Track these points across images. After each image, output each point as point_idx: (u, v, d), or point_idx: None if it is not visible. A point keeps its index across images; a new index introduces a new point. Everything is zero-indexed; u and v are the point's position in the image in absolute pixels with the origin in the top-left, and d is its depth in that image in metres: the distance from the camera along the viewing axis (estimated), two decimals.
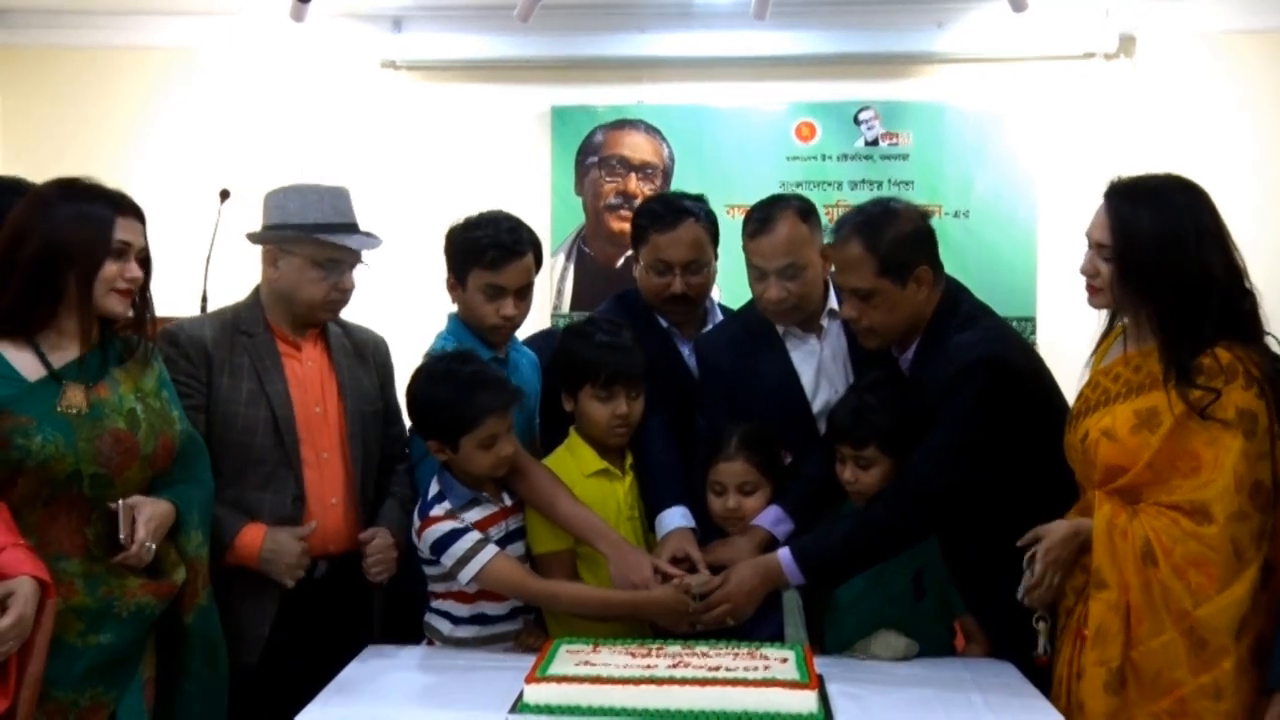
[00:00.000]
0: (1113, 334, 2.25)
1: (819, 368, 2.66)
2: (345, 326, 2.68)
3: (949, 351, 2.32)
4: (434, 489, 2.46)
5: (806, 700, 1.99)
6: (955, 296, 2.45)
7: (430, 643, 2.51)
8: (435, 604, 2.51)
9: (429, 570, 2.48)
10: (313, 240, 2.48)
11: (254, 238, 2.57)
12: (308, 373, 2.55)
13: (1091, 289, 2.17)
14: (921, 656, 2.38)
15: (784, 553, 2.38)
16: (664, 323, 2.85)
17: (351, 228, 2.54)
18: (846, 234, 2.40)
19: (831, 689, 2.15)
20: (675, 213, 2.77)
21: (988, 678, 2.26)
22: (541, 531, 2.52)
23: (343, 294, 2.54)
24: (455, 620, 2.48)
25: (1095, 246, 2.14)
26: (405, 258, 4.06)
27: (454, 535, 2.39)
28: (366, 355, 2.67)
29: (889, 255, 2.36)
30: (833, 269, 2.51)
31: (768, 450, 2.55)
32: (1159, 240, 2.05)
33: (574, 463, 2.59)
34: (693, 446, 2.63)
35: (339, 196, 2.55)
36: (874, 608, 2.44)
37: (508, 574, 2.38)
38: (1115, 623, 2.03)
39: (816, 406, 2.64)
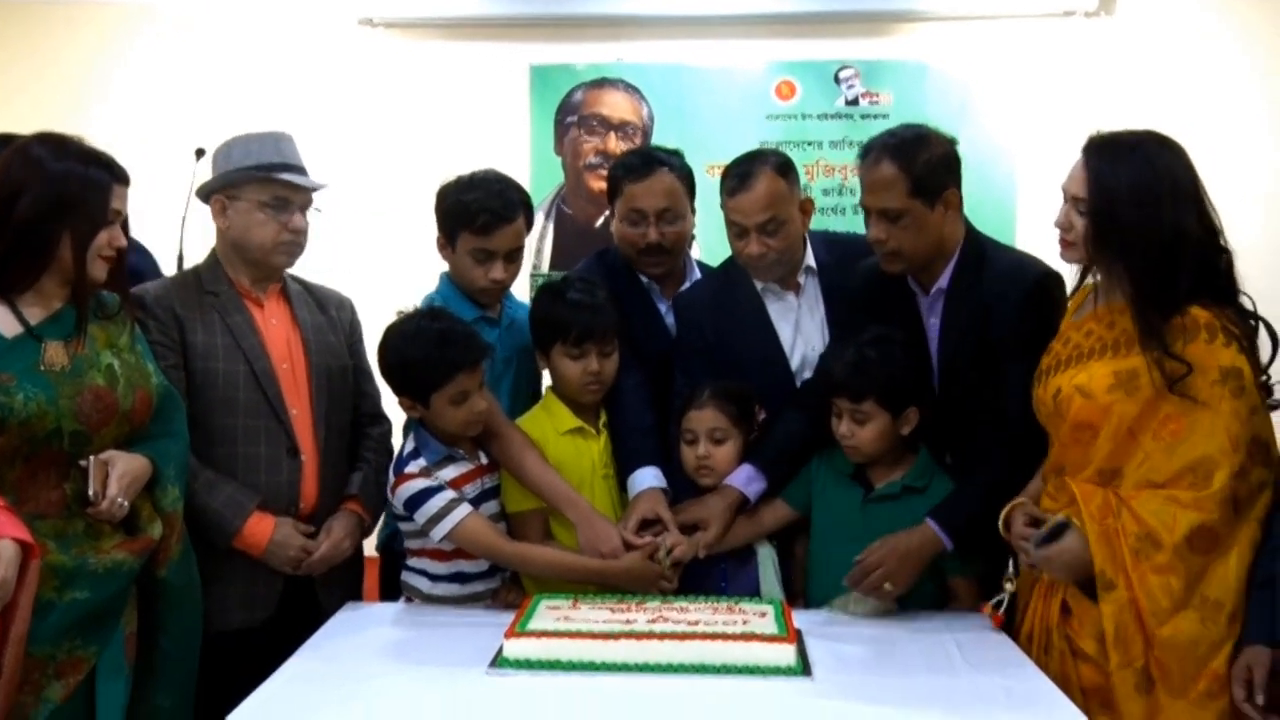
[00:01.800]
0: (1084, 289, 2.23)
1: (797, 324, 2.66)
2: (307, 285, 2.67)
3: (1005, 271, 2.32)
4: (409, 445, 2.45)
5: (785, 653, 2.00)
6: (971, 225, 2.46)
7: (409, 600, 2.51)
8: (412, 561, 2.50)
9: (404, 527, 2.47)
10: (255, 180, 2.46)
11: (201, 191, 2.55)
12: (272, 329, 2.53)
13: (1065, 243, 2.15)
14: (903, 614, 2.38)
15: (931, 521, 2.36)
16: (644, 280, 2.83)
17: (297, 170, 2.50)
18: (878, 155, 2.39)
19: (809, 642, 2.15)
20: (649, 162, 2.76)
21: (965, 630, 2.26)
22: (514, 491, 2.52)
23: (295, 235, 2.50)
24: (433, 578, 2.48)
25: (1071, 200, 2.11)
26: (382, 218, 4.05)
27: (427, 493, 2.38)
28: (330, 311, 2.66)
29: (921, 176, 2.35)
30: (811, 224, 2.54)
31: (740, 401, 2.54)
32: (1135, 196, 2.02)
33: (549, 421, 2.59)
34: (670, 406, 2.63)
35: (282, 140, 2.53)
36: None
37: (480, 534, 2.38)
38: (1130, 621, 2.00)
39: (794, 363, 2.65)
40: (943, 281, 2.45)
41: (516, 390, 2.75)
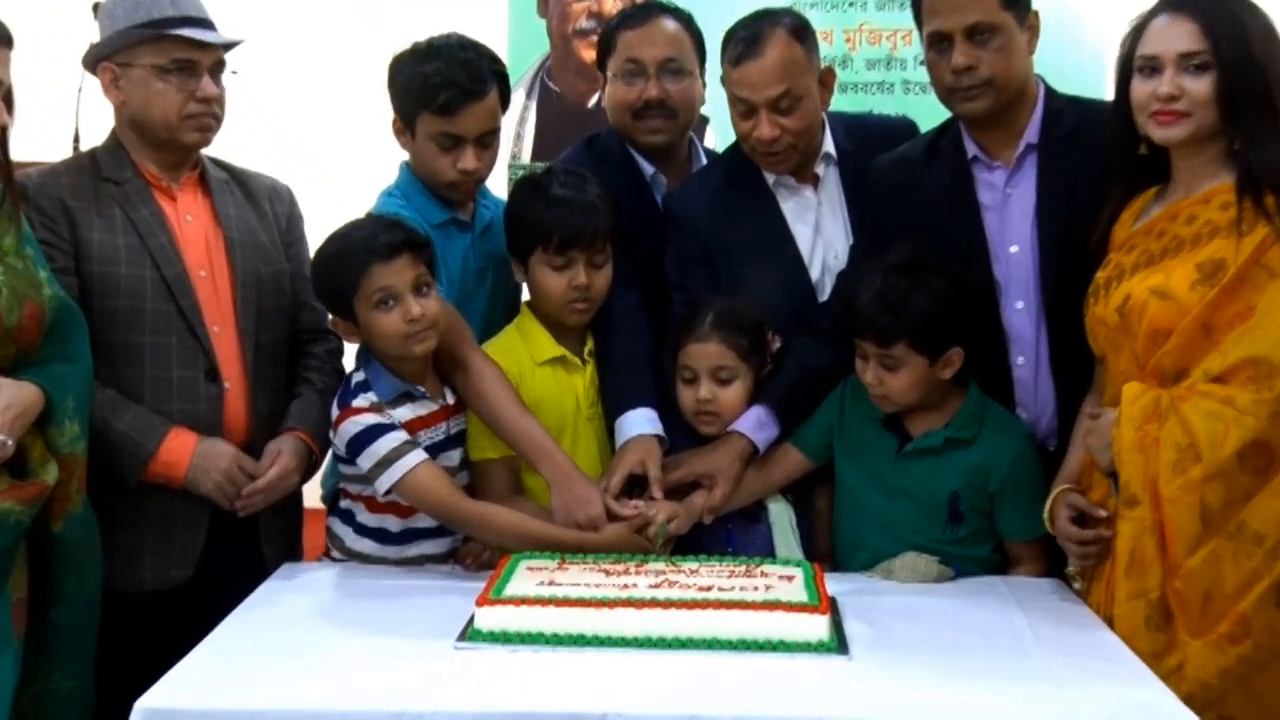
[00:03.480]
0: (1142, 196, 2.27)
1: (816, 225, 2.66)
2: (234, 171, 2.64)
3: (1105, 113, 2.32)
4: (358, 376, 2.44)
5: (816, 626, 1.99)
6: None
7: (328, 553, 2.54)
8: (344, 503, 2.51)
9: (344, 469, 2.47)
10: (148, 41, 2.40)
11: (87, 59, 2.49)
12: (187, 227, 2.51)
13: (1171, 117, 2.14)
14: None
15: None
16: (646, 171, 2.82)
17: (200, 24, 2.45)
18: None
19: (845, 614, 2.16)
20: (648, 9, 2.77)
21: (1033, 597, 2.27)
22: (480, 435, 2.52)
23: (205, 105, 2.45)
24: (360, 529, 2.49)
25: (1176, 61, 2.12)
26: (339, 94, 4.01)
27: (376, 431, 2.36)
28: (262, 204, 2.63)
29: None
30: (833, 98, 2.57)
31: (750, 329, 2.53)
32: (1266, 35, 2.07)
33: (524, 347, 2.58)
34: (666, 332, 2.63)
35: None
36: (893, 533, 2.46)
37: (433, 488, 2.35)
38: (1150, 546, 2.05)
39: (814, 272, 2.65)
40: (1031, 135, 2.45)
41: (493, 311, 2.74)
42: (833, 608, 2.09)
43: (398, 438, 2.35)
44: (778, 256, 2.63)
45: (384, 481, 2.35)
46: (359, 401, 2.39)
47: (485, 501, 2.44)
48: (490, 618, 2.03)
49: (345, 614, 2.23)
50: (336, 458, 2.49)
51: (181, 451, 2.37)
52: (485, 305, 2.72)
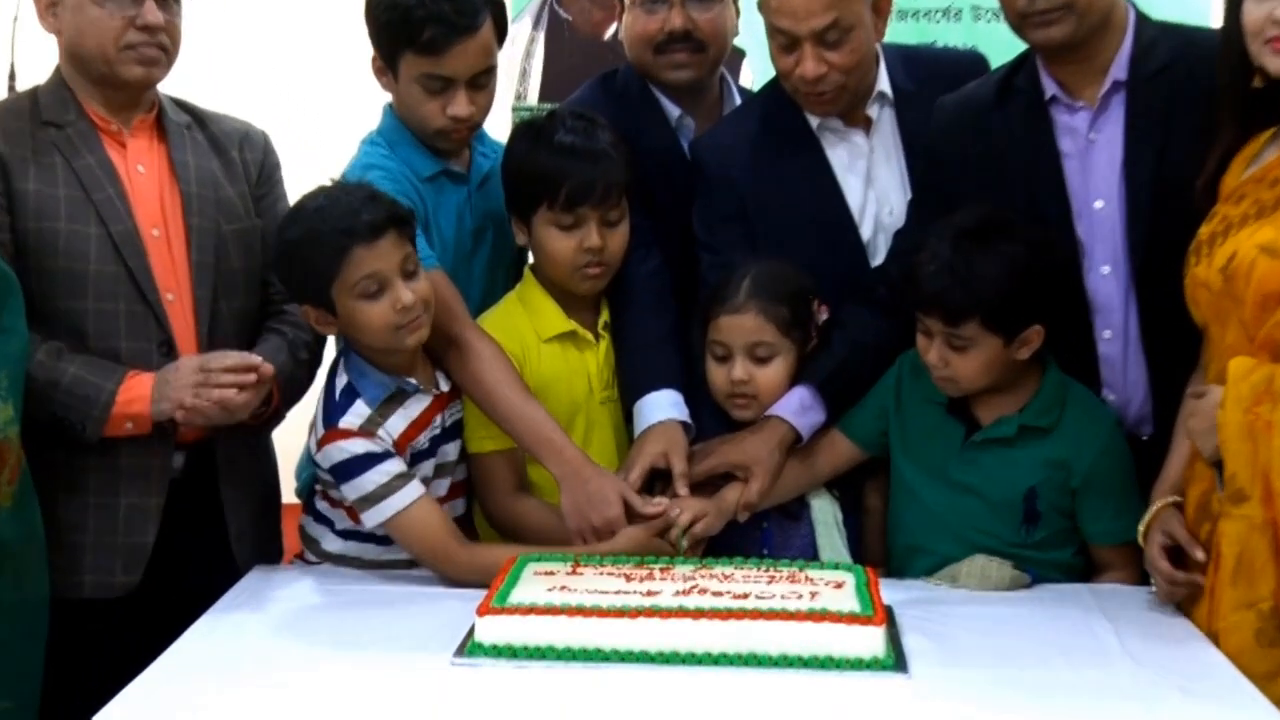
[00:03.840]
0: (1254, 141, 2.23)
1: (868, 175, 2.65)
2: (198, 114, 2.63)
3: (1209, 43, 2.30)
4: (342, 380, 2.43)
5: (871, 639, 1.97)
6: None
7: (301, 555, 2.56)
8: (321, 505, 2.53)
9: (323, 475, 2.47)
10: None
11: None
12: (139, 179, 2.49)
13: None
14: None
15: None
16: (671, 114, 2.81)
17: None
18: None
19: (904, 625, 2.16)
20: None
21: (1123, 608, 2.26)
22: (478, 424, 2.53)
23: (149, 34, 2.41)
24: (342, 533, 2.51)
25: None
26: (315, 31, 3.99)
27: (366, 462, 2.36)
28: (229, 151, 2.61)
29: None
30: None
31: (792, 298, 2.52)
32: None
33: (527, 321, 2.58)
34: (695, 301, 2.64)
35: None
36: (959, 535, 2.46)
37: (428, 530, 2.37)
38: (1261, 549, 2.03)
39: (865, 231, 2.65)
40: (1118, 70, 2.41)
41: (493, 278, 2.74)
42: (889, 619, 2.08)
43: (389, 471, 2.36)
44: (823, 213, 2.62)
45: (371, 518, 2.37)
46: (348, 420, 2.38)
47: (485, 544, 2.48)
48: (493, 629, 2.02)
49: (324, 625, 2.23)
50: (312, 462, 2.49)
51: (143, 385, 2.36)
52: (484, 271, 2.72)
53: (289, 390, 2.53)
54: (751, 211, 2.63)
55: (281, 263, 2.44)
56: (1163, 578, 2.22)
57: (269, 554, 2.64)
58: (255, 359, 2.40)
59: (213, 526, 2.52)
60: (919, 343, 2.44)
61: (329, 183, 2.46)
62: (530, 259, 2.69)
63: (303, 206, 2.40)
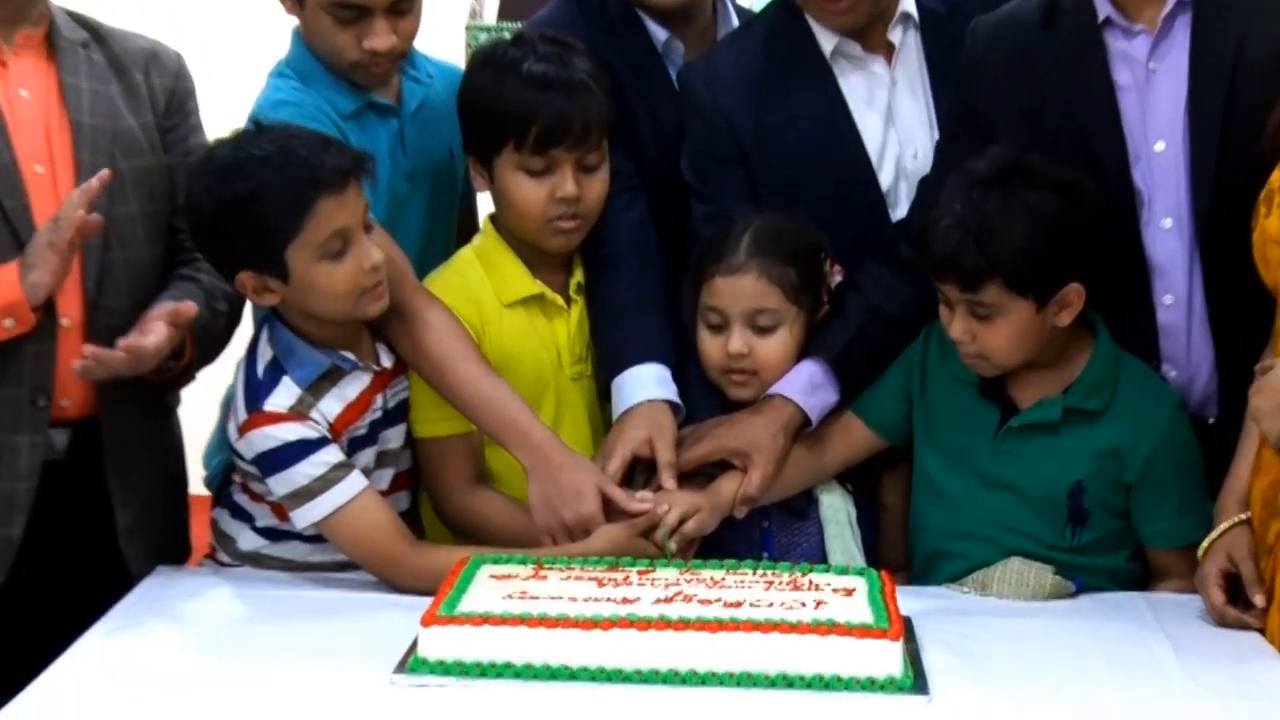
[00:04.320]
0: None
1: (889, 111, 2.68)
2: (99, 31, 2.60)
3: None
4: (266, 355, 2.44)
5: (886, 655, 1.97)
6: None
7: (213, 555, 2.58)
8: (238, 497, 2.54)
9: (242, 464, 2.48)
10: None
11: None
12: (21, 105, 2.47)
13: None
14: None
15: None
16: (657, 36, 2.81)
17: None
18: None
19: (924, 639, 2.16)
20: None
21: (1182, 621, 2.27)
22: (427, 404, 2.55)
23: None
24: (262, 530, 2.52)
25: None
26: None
27: (298, 451, 2.36)
28: (132, 75, 2.59)
29: None
30: None
31: (800, 256, 2.53)
32: None
33: (485, 282, 2.60)
34: (685, 259, 2.65)
35: None
36: (992, 536, 2.47)
37: (373, 531, 2.38)
38: None
39: (885, 177, 2.67)
40: None
41: (432, 230, 2.79)
42: (907, 632, 2.09)
43: (325, 460, 2.37)
44: (837, 155, 2.64)
45: (303, 516, 2.38)
46: (276, 402, 2.38)
47: (436, 545, 2.48)
48: (439, 641, 2.01)
49: (241, 638, 2.23)
50: (233, 449, 2.49)
51: (8, 269, 2.34)
52: (422, 221, 2.75)
53: (204, 345, 2.52)
54: (752, 153, 2.65)
55: (218, 227, 2.38)
56: (1212, 611, 2.24)
57: (172, 553, 2.64)
58: (172, 302, 2.40)
59: (98, 519, 2.51)
60: (941, 315, 2.46)
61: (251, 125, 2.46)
62: (480, 209, 2.74)
63: (239, 159, 2.35)
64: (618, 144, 2.60)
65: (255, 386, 2.41)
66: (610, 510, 2.41)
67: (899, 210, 2.65)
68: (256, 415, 2.38)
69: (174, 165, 2.61)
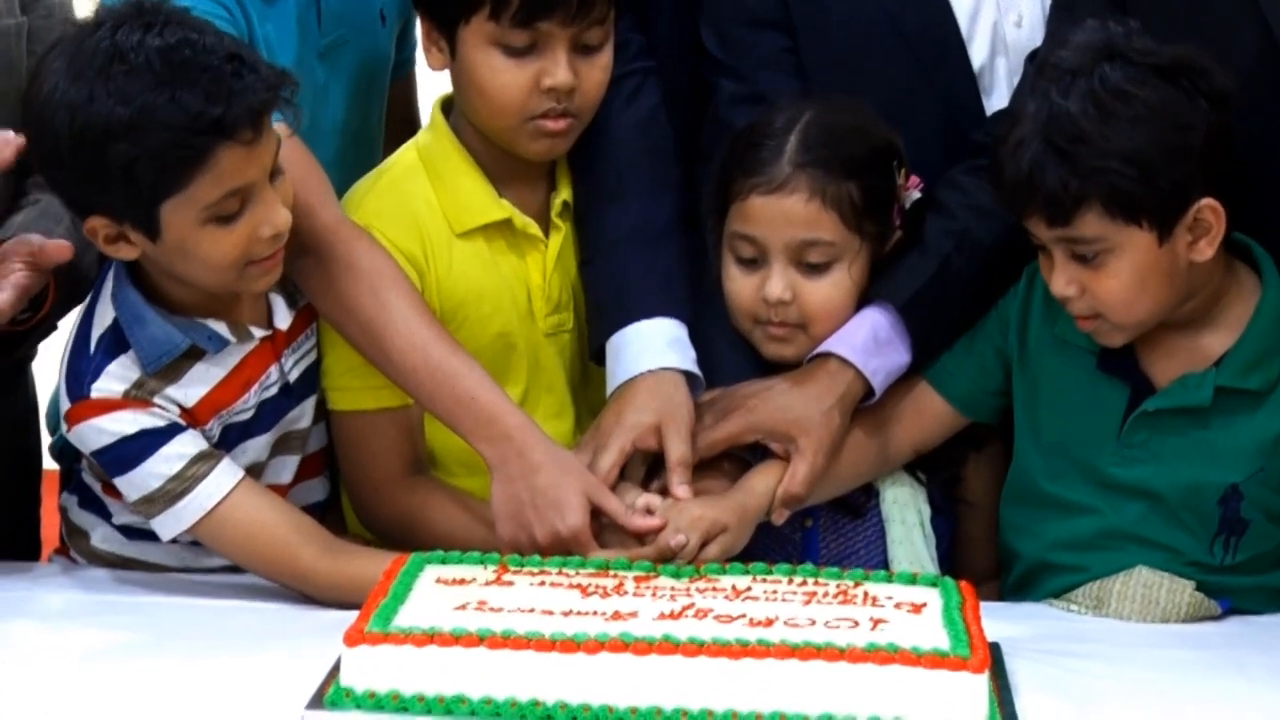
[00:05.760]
0: None
1: None
2: None
3: None
4: (105, 317, 2.43)
5: (966, 693, 1.92)
6: None
7: (65, 551, 2.63)
8: (89, 480, 2.57)
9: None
10: None
11: None
12: None
13: None
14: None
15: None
16: None
17: None
18: None
19: (1015, 671, 2.14)
20: None
21: None
22: (345, 371, 2.56)
23: None
24: (121, 527, 2.55)
25: None
26: None
27: (144, 445, 2.36)
28: None
29: None
30: None
31: (866, 164, 2.51)
32: None
33: (432, 201, 2.60)
34: (706, 165, 2.67)
35: None
36: (1116, 545, 2.46)
37: (260, 535, 2.40)
38: None
39: (978, 52, 2.67)
40: None
41: (361, 129, 2.81)
42: (994, 662, 2.05)
43: (180, 453, 2.37)
44: (913, 22, 2.63)
45: (165, 527, 2.40)
46: (105, 385, 2.37)
47: (358, 546, 2.49)
48: (368, 666, 1.98)
49: (110, 660, 2.25)
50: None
51: None
52: (341, 118, 2.73)
53: (69, 287, 2.50)
54: (798, 19, 2.62)
55: (71, 160, 2.27)
56: None
57: (17, 546, 2.72)
58: (36, 239, 2.38)
59: None
60: (1041, 266, 2.44)
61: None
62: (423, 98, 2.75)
63: (112, 70, 2.24)
64: (624, 10, 2.59)
65: (83, 363, 2.41)
66: (602, 524, 2.38)
67: (996, 98, 2.63)
68: (82, 403, 2.39)
69: (34, 29, 2.61)
